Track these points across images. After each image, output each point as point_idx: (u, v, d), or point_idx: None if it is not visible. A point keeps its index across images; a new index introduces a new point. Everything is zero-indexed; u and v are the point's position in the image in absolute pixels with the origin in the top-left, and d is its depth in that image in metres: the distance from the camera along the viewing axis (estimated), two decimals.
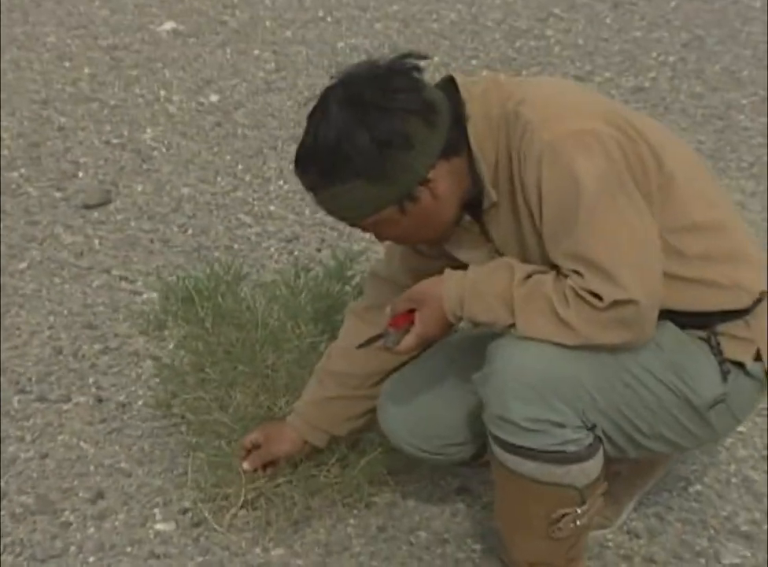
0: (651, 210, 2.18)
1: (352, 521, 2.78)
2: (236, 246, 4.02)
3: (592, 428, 2.25)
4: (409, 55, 2.24)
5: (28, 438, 3.11)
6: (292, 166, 4.41)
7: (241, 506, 2.77)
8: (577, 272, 2.14)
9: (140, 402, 3.23)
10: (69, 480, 2.95)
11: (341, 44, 5.83)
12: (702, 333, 2.31)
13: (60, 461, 3.02)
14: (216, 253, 3.96)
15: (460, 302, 2.24)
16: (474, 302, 2.22)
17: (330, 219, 4.17)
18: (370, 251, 3.72)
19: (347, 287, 3.05)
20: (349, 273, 3.08)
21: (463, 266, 2.41)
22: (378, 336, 2.32)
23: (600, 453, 2.28)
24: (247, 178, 4.50)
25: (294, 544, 2.71)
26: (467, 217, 2.34)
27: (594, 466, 2.28)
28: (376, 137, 2.15)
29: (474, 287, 2.23)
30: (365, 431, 2.76)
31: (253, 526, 2.75)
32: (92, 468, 3.00)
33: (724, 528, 2.73)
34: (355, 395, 2.66)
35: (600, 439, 2.27)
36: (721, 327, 2.30)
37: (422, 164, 2.19)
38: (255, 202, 4.31)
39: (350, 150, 2.15)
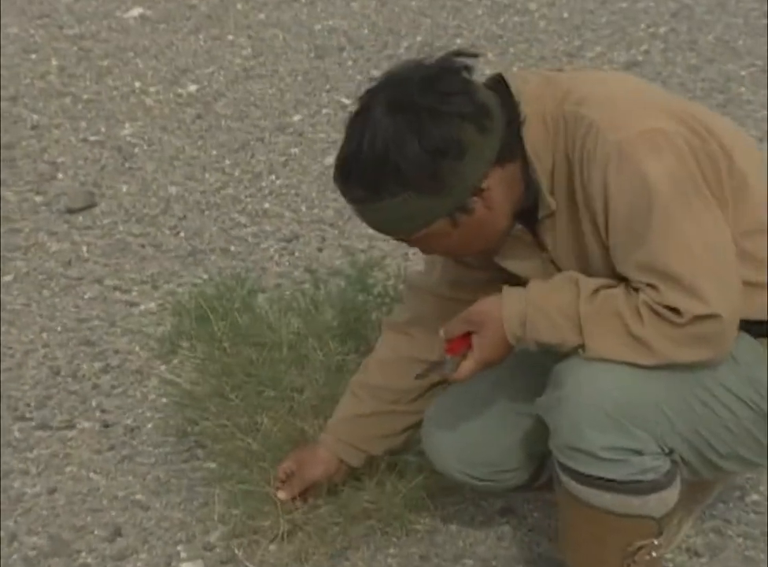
0: (723, 213, 2.02)
1: (392, 551, 2.60)
2: (233, 248, 3.82)
3: (669, 453, 2.08)
4: (458, 53, 2.05)
5: (33, 470, 2.90)
6: (281, 158, 4.23)
7: (272, 540, 2.58)
8: (651, 286, 1.96)
9: (149, 425, 3.04)
10: (82, 517, 2.75)
11: (318, 26, 5.61)
12: None
13: (70, 495, 2.82)
14: (213, 257, 3.76)
15: (522, 322, 2.06)
16: (538, 321, 2.05)
17: (329, 215, 4.03)
18: (390, 257, 3.52)
19: (370, 298, 2.85)
20: (370, 281, 2.89)
21: (512, 277, 2.24)
22: (434, 365, 2.14)
23: (678, 479, 2.12)
24: (236, 173, 4.29)
25: None
26: (519, 226, 2.16)
27: (672, 494, 2.11)
28: (428, 145, 1.96)
29: (536, 306, 2.05)
30: (403, 450, 2.58)
31: (287, 561, 2.56)
32: (105, 502, 2.80)
33: None
34: (392, 411, 2.48)
35: (678, 464, 2.11)
36: None
37: (476, 173, 2.01)
38: (248, 200, 4.10)
39: (400, 160, 1.97)
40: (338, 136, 4.51)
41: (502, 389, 2.36)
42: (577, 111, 2.01)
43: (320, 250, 3.79)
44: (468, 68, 2.03)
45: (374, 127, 1.98)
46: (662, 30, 5.33)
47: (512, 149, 2.04)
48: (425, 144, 1.96)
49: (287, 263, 3.72)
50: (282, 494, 2.50)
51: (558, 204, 2.08)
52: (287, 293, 3.01)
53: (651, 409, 2.03)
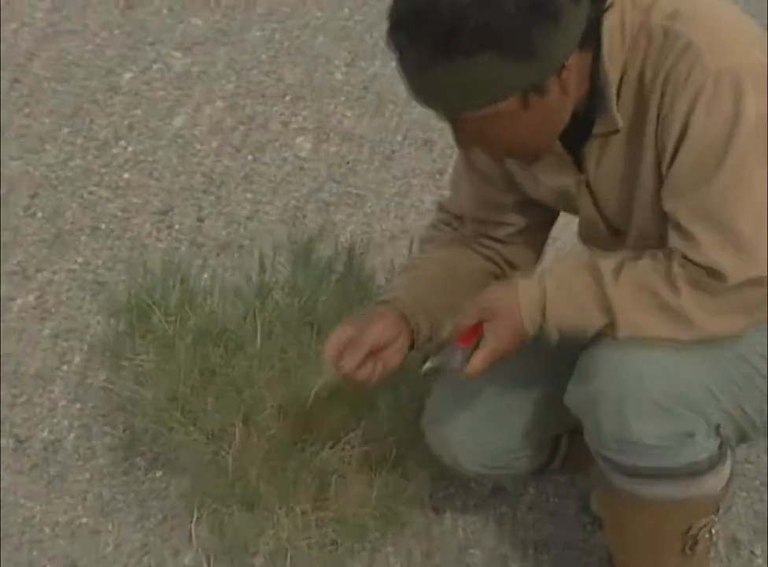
0: None
1: (390, 549, 2.40)
2: (103, 226, 3.47)
3: (717, 429, 1.95)
4: None
5: None
6: (124, 122, 3.86)
7: (255, 555, 2.35)
8: (693, 240, 1.78)
9: (71, 437, 2.72)
10: (26, 552, 2.44)
11: None
12: None
13: (6, 528, 2.48)
14: (83, 238, 3.41)
15: (541, 305, 1.86)
16: (559, 302, 1.86)
17: (198, 182, 3.71)
18: (326, 228, 3.25)
19: (317, 275, 2.60)
20: (314, 257, 2.64)
21: (532, 204, 2.08)
22: (442, 359, 1.91)
23: (729, 451, 1.99)
24: (79, 142, 3.90)
25: None
26: (557, 143, 1.91)
27: (727, 467, 1.99)
28: (523, 0, 1.66)
29: (556, 287, 1.86)
30: None
31: None
32: (47, 530, 2.49)
33: None
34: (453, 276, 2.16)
35: (725, 437, 1.98)
36: None
37: (564, 44, 1.73)
38: (103, 171, 3.74)
39: (489, 13, 1.65)
40: (180, 94, 4.23)
41: (508, 370, 2.16)
42: (671, 26, 1.78)
43: (201, 220, 3.49)
44: None
45: None
46: None
47: (592, 35, 1.78)
48: None
49: (168, 238, 3.41)
50: (348, 361, 1.98)
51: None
52: (226, 276, 2.72)
53: (696, 387, 1.88)
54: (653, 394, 1.85)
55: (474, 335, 1.90)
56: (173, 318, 2.44)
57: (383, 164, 3.72)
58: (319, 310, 2.43)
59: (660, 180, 1.85)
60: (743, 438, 2.05)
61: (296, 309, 2.41)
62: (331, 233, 3.34)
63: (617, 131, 1.87)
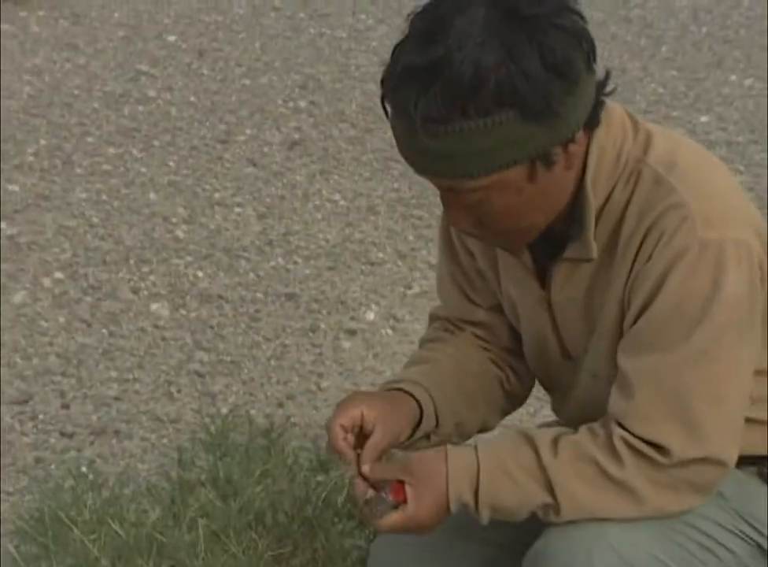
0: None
1: None
2: None
3: None
4: None
5: None
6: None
7: None
8: (639, 407, 1.68)
9: None
10: None
11: None
12: (753, 468, 1.91)
13: None
14: None
15: (472, 480, 1.72)
16: (495, 478, 1.71)
17: (53, 363, 3.43)
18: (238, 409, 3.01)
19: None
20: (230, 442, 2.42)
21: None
22: (369, 499, 1.74)
23: None
24: None
25: None
26: (526, 253, 1.80)
27: None
28: (549, 61, 1.58)
29: (490, 461, 1.72)
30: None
31: None
32: None
33: None
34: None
35: None
36: None
37: (578, 113, 1.64)
38: None
39: (512, 73, 1.56)
40: (13, 267, 3.95)
41: (460, 530, 1.97)
42: (665, 177, 1.70)
43: (66, 406, 3.21)
44: None
45: (479, 29, 1.58)
46: (302, 104, 5.10)
47: (595, 117, 1.68)
48: (546, 59, 1.58)
49: (34, 430, 3.12)
50: (366, 469, 1.76)
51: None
52: (144, 484, 2.44)
53: (652, 565, 1.75)
54: None
55: (402, 491, 1.73)
56: (93, 533, 2.16)
57: (250, 326, 3.54)
58: (255, 505, 2.20)
59: (620, 331, 1.75)
60: None
61: (232, 508, 2.17)
62: (212, 407, 3.14)
63: (589, 260, 1.77)
